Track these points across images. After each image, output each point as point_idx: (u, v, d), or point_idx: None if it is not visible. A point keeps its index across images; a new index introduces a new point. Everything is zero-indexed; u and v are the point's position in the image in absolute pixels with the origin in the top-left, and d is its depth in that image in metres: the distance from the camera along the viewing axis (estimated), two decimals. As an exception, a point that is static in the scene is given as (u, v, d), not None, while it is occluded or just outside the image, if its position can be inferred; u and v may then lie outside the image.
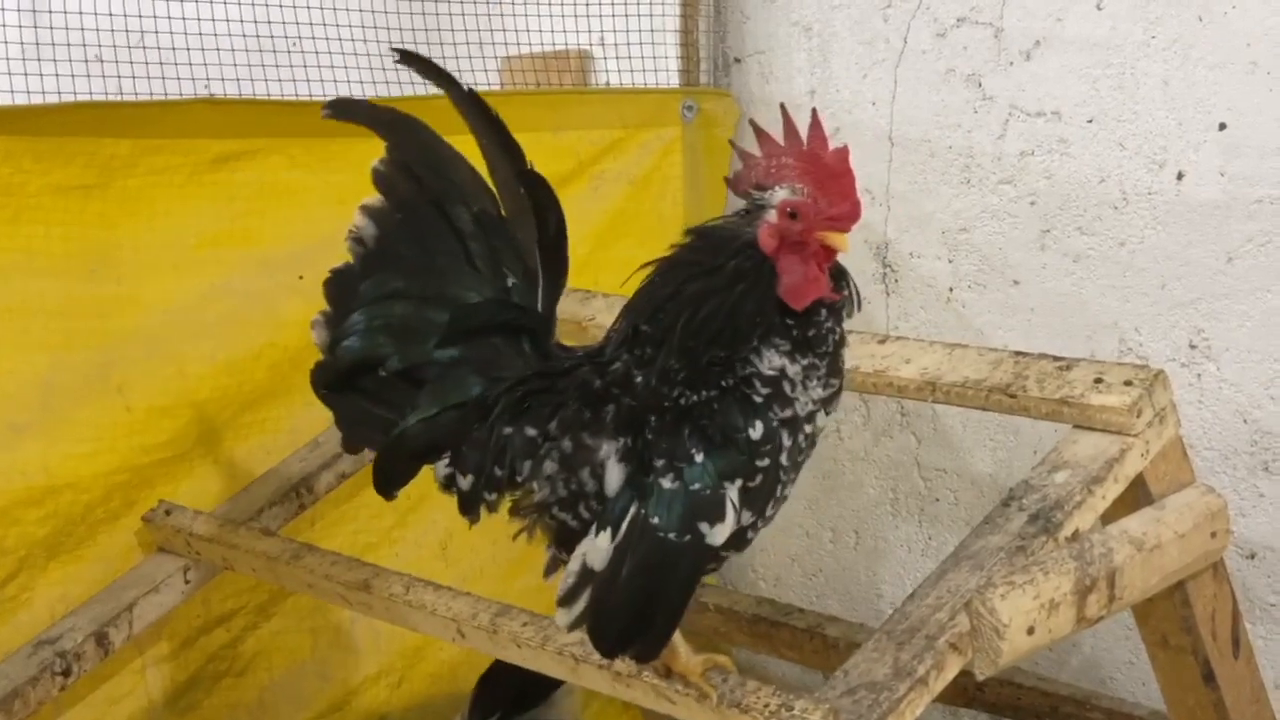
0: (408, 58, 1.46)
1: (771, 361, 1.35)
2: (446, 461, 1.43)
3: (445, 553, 2.50)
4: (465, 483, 1.42)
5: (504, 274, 1.45)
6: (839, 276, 1.38)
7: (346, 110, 1.50)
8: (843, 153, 1.36)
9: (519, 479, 1.39)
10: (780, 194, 1.36)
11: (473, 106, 1.43)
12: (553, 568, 1.44)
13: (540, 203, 1.41)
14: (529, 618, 1.65)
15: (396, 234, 1.46)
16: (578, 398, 1.38)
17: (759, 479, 1.33)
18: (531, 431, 1.38)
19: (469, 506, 1.43)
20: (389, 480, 1.48)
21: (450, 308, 1.43)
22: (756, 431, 1.32)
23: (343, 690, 2.42)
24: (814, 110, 1.39)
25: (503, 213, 1.46)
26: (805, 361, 1.36)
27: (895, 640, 1.45)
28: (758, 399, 1.33)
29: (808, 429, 1.37)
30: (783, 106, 1.40)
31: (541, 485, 1.38)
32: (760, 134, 1.40)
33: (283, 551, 1.93)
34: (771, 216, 1.36)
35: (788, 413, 1.34)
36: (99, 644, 1.98)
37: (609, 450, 1.35)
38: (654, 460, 1.32)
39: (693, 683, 1.44)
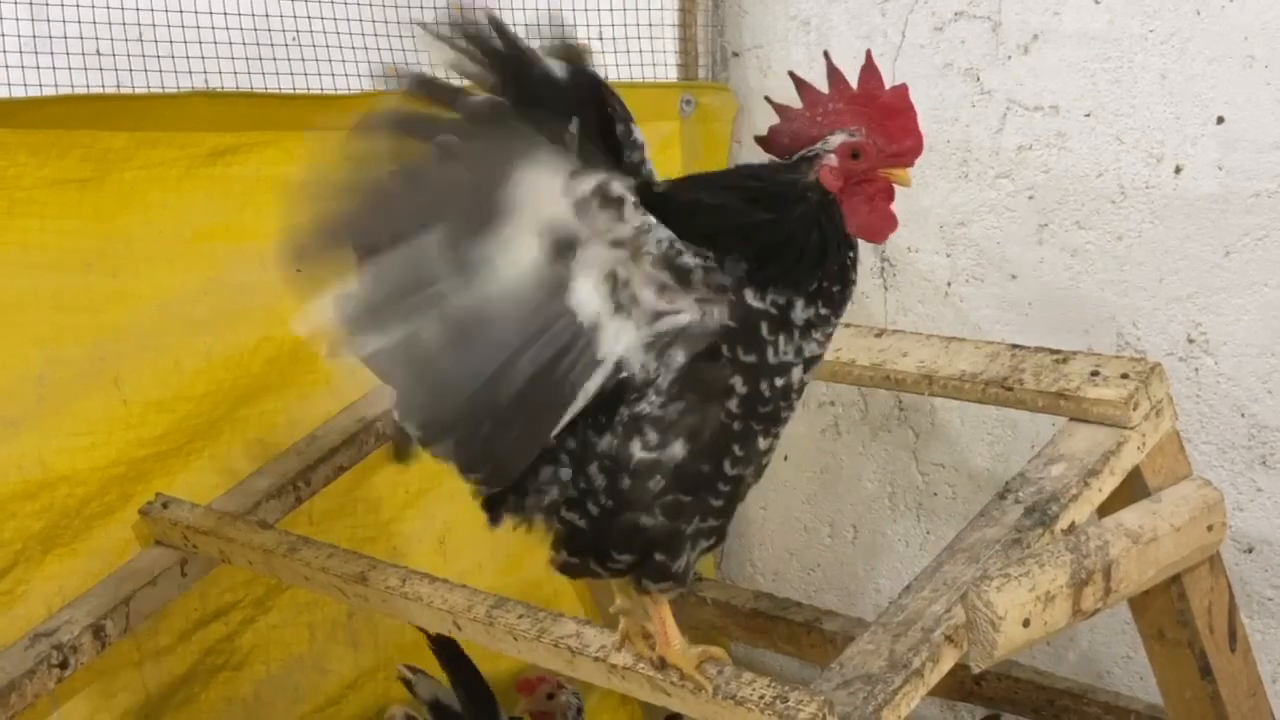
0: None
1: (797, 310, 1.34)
2: None
3: (443, 547, 2.50)
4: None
5: None
6: None
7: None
8: (901, 90, 1.36)
9: (542, 484, 1.37)
10: (837, 139, 1.36)
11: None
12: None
13: None
14: (525, 610, 1.65)
15: None
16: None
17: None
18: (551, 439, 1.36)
19: (495, 513, 1.40)
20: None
21: None
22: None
23: (340, 684, 2.42)
24: (868, 52, 1.38)
25: None
26: (818, 310, 1.35)
27: (891, 633, 1.45)
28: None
29: (795, 374, 1.36)
30: (826, 54, 1.37)
31: (553, 488, 1.37)
32: (801, 84, 1.39)
33: (279, 545, 1.93)
34: (832, 160, 1.35)
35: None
36: (96, 637, 1.98)
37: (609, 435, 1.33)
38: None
39: (688, 675, 1.43)
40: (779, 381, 1.35)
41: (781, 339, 1.34)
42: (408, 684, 2.24)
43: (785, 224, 1.34)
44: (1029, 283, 2.33)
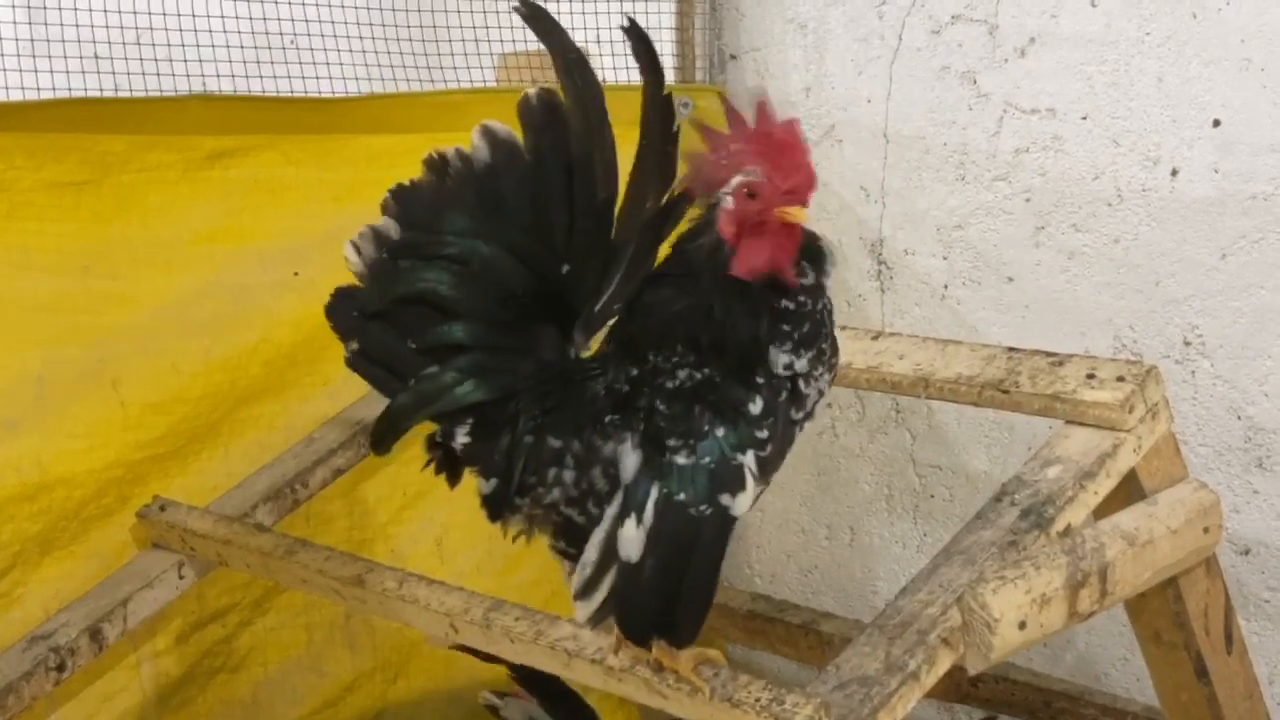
0: (633, 29, 1.36)
1: (780, 361, 1.37)
2: (466, 430, 1.39)
3: (440, 549, 2.50)
4: (487, 486, 1.41)
5: (580, 259, 1.39)
6: (813, 249, 1.39)
7: (539, 20, 1.37)
8: (791, 124, 1.35)
9: (543, 487, 1.40)
10: (736, 180, 1.35)
11: (663, 111, 1.37)
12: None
13: (652, 232, 1.39)
14: (522, 612, 1.65)
15: (515, 176, 1.37)
16: (591, 409, 1.38)
17: (769, 449, 1.37)
18: (556, 443, 1.38)
19: (495, 510, 1.42)
20: (394, 435, 1.40)
21: (530, 281, 1.38)
22: (757, 406, 1.35)
23: (337, 686, 2.42)
24: (762, 90, 1.40)
25: (617, 208, 1.40)
26: (810, 354, 1.38)
27: (887, 635, 1.45)
28: (759, 378, 1.35)
29: (809, 405, 1.41)
30: (721, 95, 1.39)
31: (555, 488, 1.39)
32: (705, 129, 1.39)
33: (277, 547, 1.93)
34: (728, 203, 1.34)
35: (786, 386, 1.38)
36: (93, 639, 1.98)
37: (619, 444, 1.36)
38: (667, 440, 1.33)
39: (684, 677, 1.44)
40: (806, 425, 1.43)
41: (811, 390, 1.40)
42: (493, 710, 2.21)
43: (705, 293, 1.35)
44: (1026, 285, 2.33)
